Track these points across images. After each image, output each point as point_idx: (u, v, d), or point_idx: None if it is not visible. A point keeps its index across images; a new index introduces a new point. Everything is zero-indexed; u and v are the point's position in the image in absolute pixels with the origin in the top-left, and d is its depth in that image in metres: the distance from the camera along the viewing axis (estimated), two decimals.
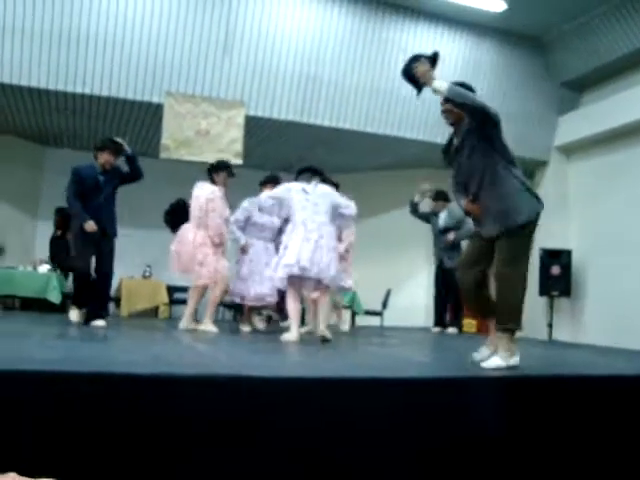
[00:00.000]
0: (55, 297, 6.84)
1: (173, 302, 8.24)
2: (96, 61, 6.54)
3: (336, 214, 4.74)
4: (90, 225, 4.90)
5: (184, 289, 6.63)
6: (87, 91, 6.63)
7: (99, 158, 5.09)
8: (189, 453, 2.10)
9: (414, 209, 7.05)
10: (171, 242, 5.37)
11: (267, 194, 5.01)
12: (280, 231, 5.28)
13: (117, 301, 7.98)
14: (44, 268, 7.16)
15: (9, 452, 1.88)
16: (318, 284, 4.65)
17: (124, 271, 7.52)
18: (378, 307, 8.44)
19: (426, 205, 7.18)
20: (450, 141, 3.37)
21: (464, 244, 6.80)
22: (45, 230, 8.13)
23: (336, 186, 5.25)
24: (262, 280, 5.25)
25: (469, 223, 4.64)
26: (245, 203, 5.52)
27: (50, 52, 6.38)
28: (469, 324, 7.54)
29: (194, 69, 6.92)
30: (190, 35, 6.83)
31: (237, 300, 5.53)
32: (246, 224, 5.48)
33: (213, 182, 5.31)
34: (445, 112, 3.29)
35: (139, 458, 2.06)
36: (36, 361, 2.58)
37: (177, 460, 2.09)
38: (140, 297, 7.98)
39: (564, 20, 7.77)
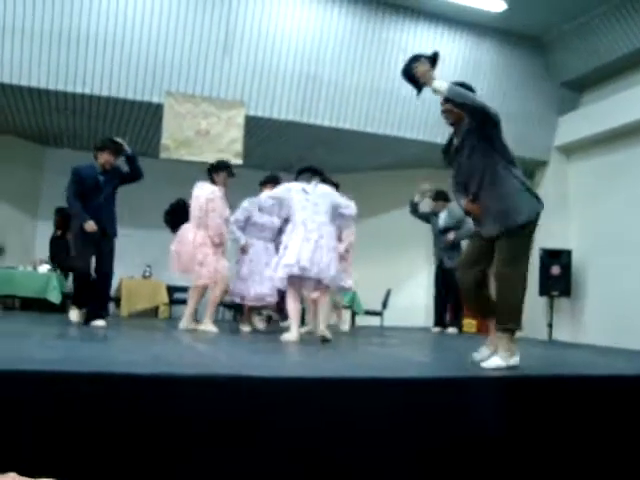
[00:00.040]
0: (55, 297, 6.84)
1: (173, 302, 8.24)
2: (96, 61, 6.54)
3: (336, 214, 4.74)
4: (90, 225, 4.90)
5: (184, 289, 6.63)
6: (87, 91, 6.63)
7: (99, 158, 5.09)
8: (189, 453, 2.10)
9: (414, 209, 7.05)
10: (171, 242, 5.37)
11: (267, 194, 5.01)
12: (280, 231, 5.28)
13: (117, 301, 7.98)
14: (44, 268, 7.16)
15: (9, 452, 1.88)
16: (318, 284, 4.65)
17: (124, 271, 7.52)
18: (378, 307, 8.44)
19: (426, 205, 7.18)
20: (450, 141, 3.37)
21: (464, 244, 6.82)
22: (45, 230, 8.13)
23: (336, 186, 5.25)
24: (262, 280, 5.25)
25: (469, 223, 4.64)
26: (245, 203, 5.52)
27: (50, 52, 6.38)
28: (469, 324, 7.55)
29: (194, 69, 6.92)
30: (190, 35, 6.84)
31: (237, 300, 5.53)
32: (246, 224, 5.48)
33: (213, 182, 5.31)
34: (445, 112, 3.29)
35: (139, 458, 2.06)
36: (36, 361, 2.58)
37: (177, 460, 2.09)
38: (140, 297, 7.98)
39: (564, 20, 7.77)
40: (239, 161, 6.81)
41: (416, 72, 3.12)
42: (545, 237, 7.82)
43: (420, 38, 7.69)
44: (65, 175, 5.11)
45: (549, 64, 8.48)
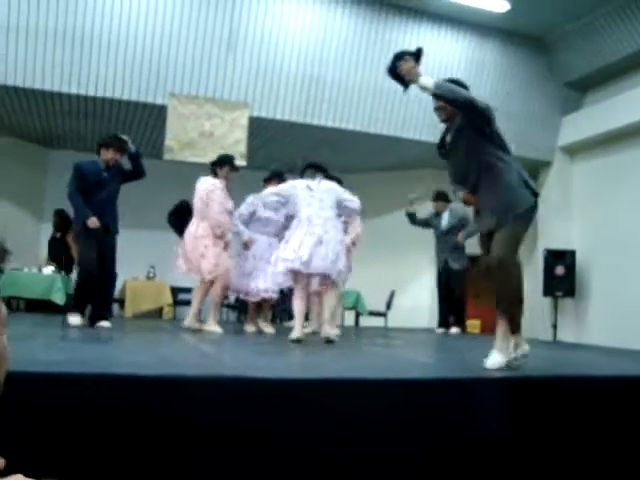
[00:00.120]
0: (59, 298, 6.86)
1: (177, 303, 8.26)
2: (100, 63, 6.56)
3: (341, 207, 4.75)
4: (93, 221, 4.83)
5: (188, 290, 6.64)
6: (91, 93, 6.65)
7: (103, 155, 5.02)
8: (194, 454, 2.10)
9: (412, 219, 7.05)
10: (175, 243, 5.37)
11: (271, 190, 5.00)
12: (284, 227, 5.27)
13: (121, 302, 7.99)
14: (49, 270, 7.18)
15: (15, 454, 1.89)
16: (324, 279, 4.64)
17: (128, 272, 7.54)
18: (382, 308, 8.44)
19: (424, 209, 7.18)
20: (443, 137, 3.37)
21: (465, 245, 6.81)
22: (49, 232, 8.14)
23: (340, 182, 5.25)
24: (265, 276, 5.26)
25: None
26: (250, 198, 5.51)
27: (54, 54, 6.40)
28: (472, 325, 7.54)
29: (198, 71, 6.93)
30: (194, 37, 6.85)
31: (240, 296, 5.53)
32: (250, 219, 5.48)
33: (215, 176, 5.33)
34: (438, 109, 3.28)
35: (144, 459, 2.06)
36: (41, 363, 2.58)
37: (182, 461, 2.10)
38: (144, 298, 8.00)
39: (567, 20, 7.75)
40: (243, 162, 6.81)
41: (401, 70, 3.11)
42: (549, 237, 7.81)
43: (423, 39, 7.68)
44: (69, 177, 5.11)
45: (552, 64, 8.47)
